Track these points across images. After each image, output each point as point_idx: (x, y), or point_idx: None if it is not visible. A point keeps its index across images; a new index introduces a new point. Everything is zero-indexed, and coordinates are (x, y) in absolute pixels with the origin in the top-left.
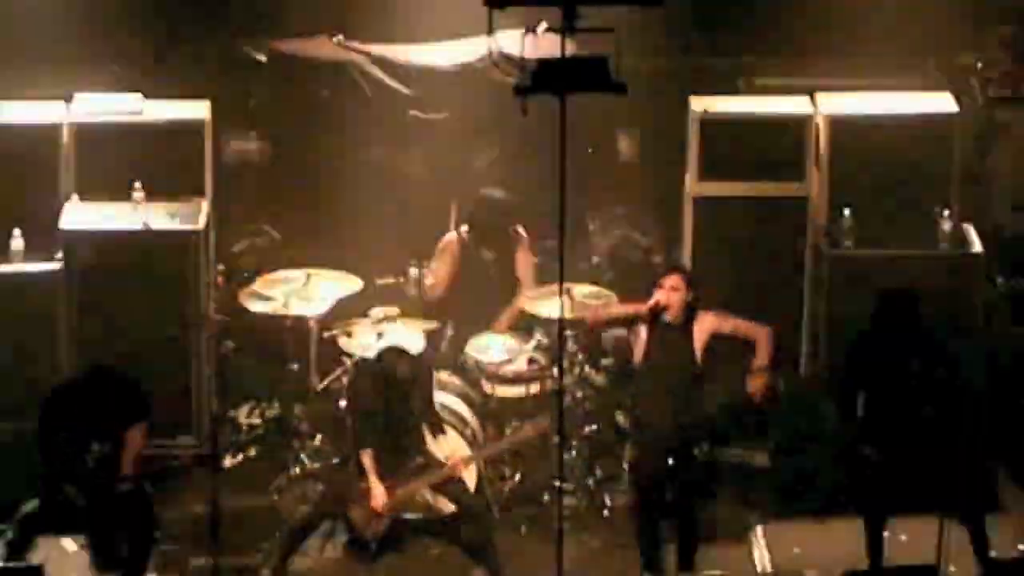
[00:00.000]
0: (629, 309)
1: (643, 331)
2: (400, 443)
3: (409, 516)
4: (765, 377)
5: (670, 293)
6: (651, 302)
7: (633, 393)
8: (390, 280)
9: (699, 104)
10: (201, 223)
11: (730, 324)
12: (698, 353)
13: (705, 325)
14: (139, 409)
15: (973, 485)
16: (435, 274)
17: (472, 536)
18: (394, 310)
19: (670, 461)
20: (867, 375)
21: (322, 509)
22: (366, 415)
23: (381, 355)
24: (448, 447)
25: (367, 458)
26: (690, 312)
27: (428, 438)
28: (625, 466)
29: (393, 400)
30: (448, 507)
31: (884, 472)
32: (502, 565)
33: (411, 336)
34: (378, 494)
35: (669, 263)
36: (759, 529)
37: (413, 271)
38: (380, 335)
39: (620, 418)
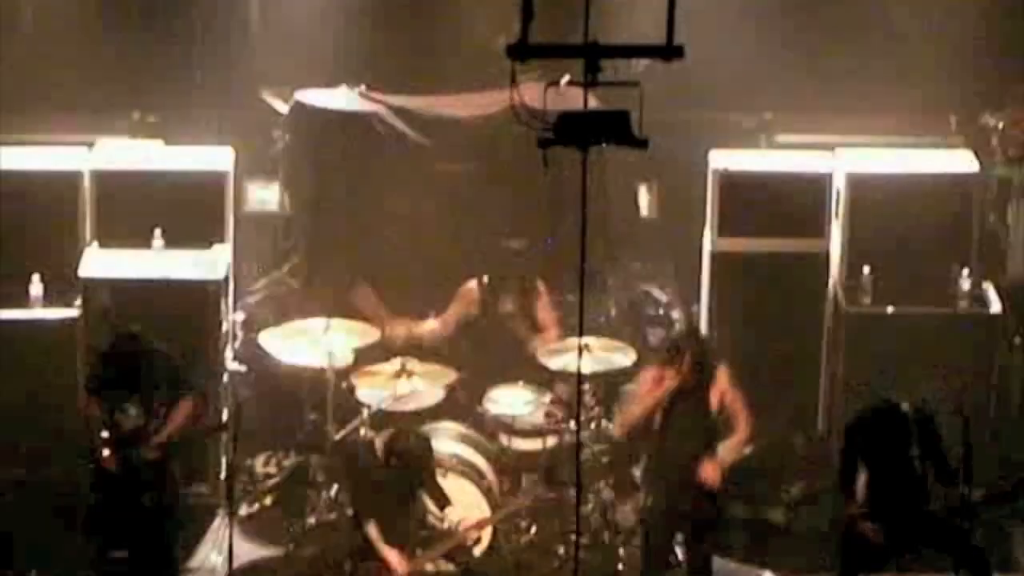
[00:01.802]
0: (651, 402)
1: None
2: (403, 515)
3: None
4: (723, 465)
5: (687, 376)
6: (671, 387)
7: (651, 451)
8: (404, 331)
9: (719, 159)
10: (221, 272)
11: (731, 397)
12: (714, 409)
13: (720, 385)
14: (183, 385)
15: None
16: (443, 318)
17: None
18: (413, 361)
19: (684, 515)
20: (866, 454)
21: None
22: (368, 488)
23: (390, 436)
24: (455, 516)
25: (372, 528)
26: (704, 373)
27: (433, 510)
28: (635, 518)
29: (396, 476)
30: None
31: (882, 554)
32: None
33: (429, 387)
34: (394, 560)
35: (682, 340)
36: None
37: (431, 322)
38: (398, 385)
39: (636, 472)
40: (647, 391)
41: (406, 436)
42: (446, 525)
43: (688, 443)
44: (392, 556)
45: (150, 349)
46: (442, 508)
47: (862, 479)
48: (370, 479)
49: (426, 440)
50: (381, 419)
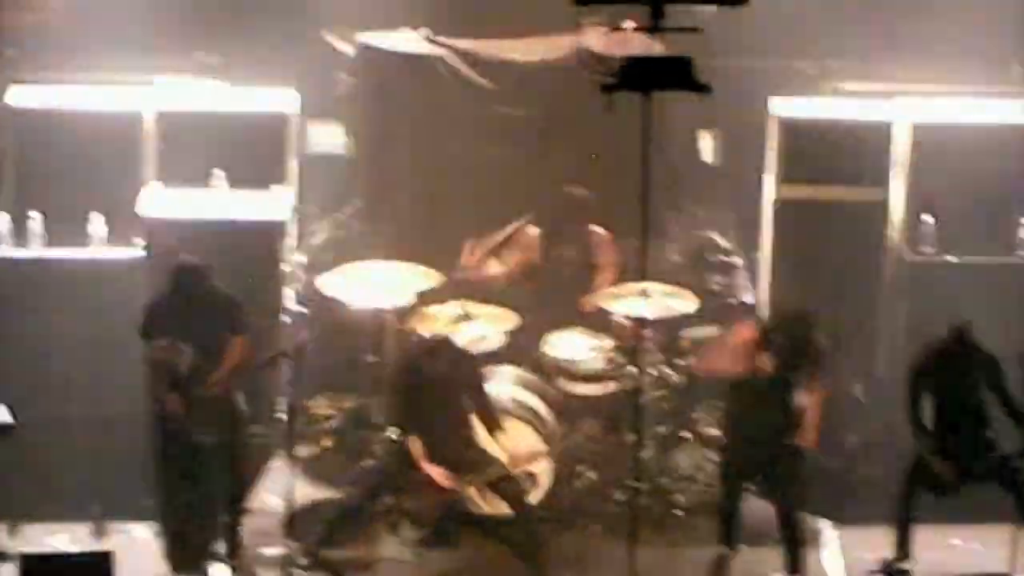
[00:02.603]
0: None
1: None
2: (447, 438)
3: (462, 511)
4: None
5: (769, 366)
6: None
7: (728, 402)
8: (467, 277)
9: (780, 107)
10: (284, 213)
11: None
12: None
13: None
14: (237, 324)
15: None
16: (505, 263)
17: (523, 539)
18: (473, 305)
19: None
20: (934, 390)
21: (373, 496)
22: (408, 405)
23: (415, 351)
24: (510, 443)
25: (414, 447)
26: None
27: (482, 433)
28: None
29: (434, 395)
30: (502, 508)
31: (955, 489)
32: (573, 563)
33: (489, 331)
34: (437, 474)
35: (773, 330)
36: (831, 533)
37: (495, 266)
38: (459, 329)
39: (696, 418)
40: (736, 347)
41: (447, 344)
42: (497, 453)
43: (763, 398)
44: (435, 471)
45: (207, 284)
46: (491, 432)
47: (929, 416)
48: (415, 395)
49: (471, 356)
50: None
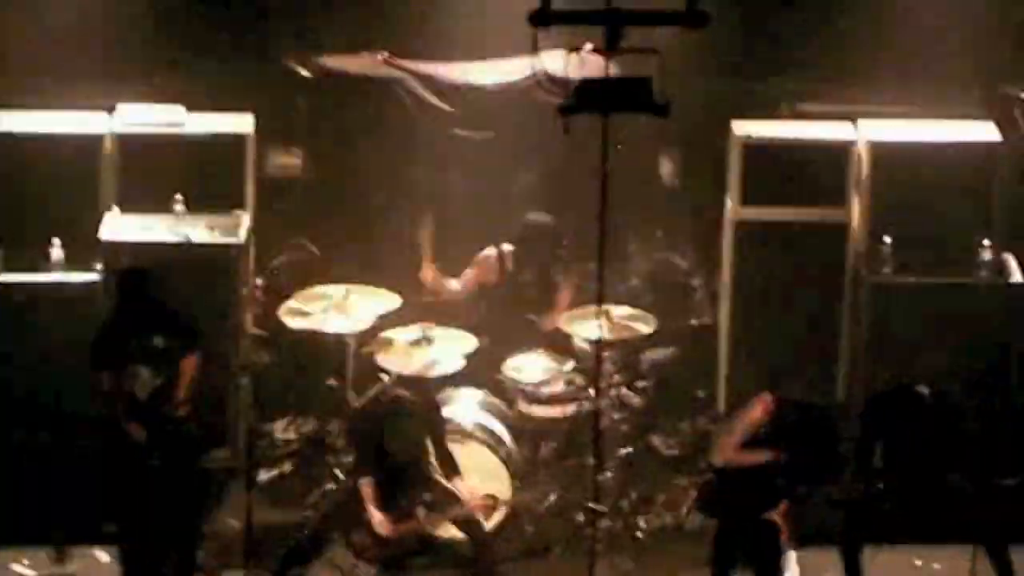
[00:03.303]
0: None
1: None
2: (403, 477)
3: (416, 539)
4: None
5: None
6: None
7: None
8: (428, 298)
9: (741, 128)
10: (242, 237)
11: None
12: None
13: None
14: (189, 339)
15: (995, 521)
16: (463, 280)
17: (478, 568)
18: (433, 328)
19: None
20: (884, 431)
21: (324, 528)
22: (365, 445)
23: (384, 390)
24: (467, 487)
25: (366, 487)
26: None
27: (439, 477)
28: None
29: (396, 434)
30: (455, 534)
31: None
32: None
33: (448, 354)
34: (377, 522)
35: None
36: (791, 555)
37: (452, 282)
38: (418, 352)
39: (655, 440)
40: (751, 432)
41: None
42: (457, 494)
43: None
44: (376, 515)
45: (152, 295)
46: (449, 478)
47: (877, 455)
48: (373, 436)
49: (433, 405)
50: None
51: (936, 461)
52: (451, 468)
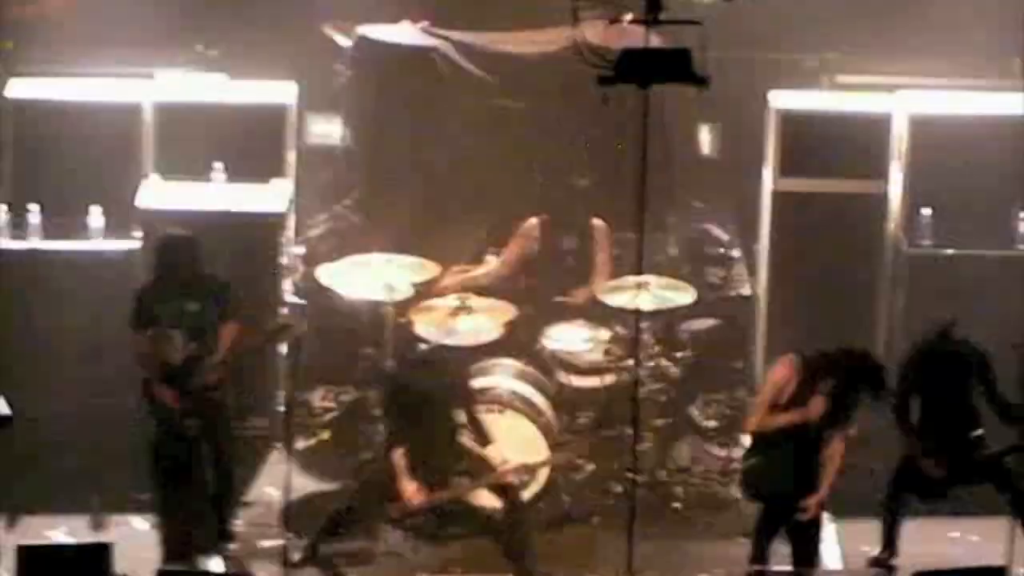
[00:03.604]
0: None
1: None
2: (438, 449)
3: (450, 508)
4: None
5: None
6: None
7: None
8: (468, 267)
9: (780, 99)
10: (282, 205)
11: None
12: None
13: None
14: (226, 307)
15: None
16: (504, 258)
17: (511, 536)
18: (472, 296)
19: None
20: (921, 389)
21: (361, 499)
22: (399, 415)
23: (411, 362)
24: (500, 455)
25: (398, 457)
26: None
27: (473, 446)
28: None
29: (423, 408)
30: (491, 503)
31: (940, 489)
32: (572, 556)
33: (488, 323)
34: (410, 491)
35: (824, 366)
36: (829, 525)
37: (491, 258)
38: (457, 321)
39: (693, 411)
40: (774, 394)
41: (439, 356)
42: (490, 462)
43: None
44: (408, 486)
45: (195, 263)
46: (483, 445)
47: (916, 415)
48: (406, 406)
49: (463, 370)
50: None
51: (974, 420)
52: (483, 437)
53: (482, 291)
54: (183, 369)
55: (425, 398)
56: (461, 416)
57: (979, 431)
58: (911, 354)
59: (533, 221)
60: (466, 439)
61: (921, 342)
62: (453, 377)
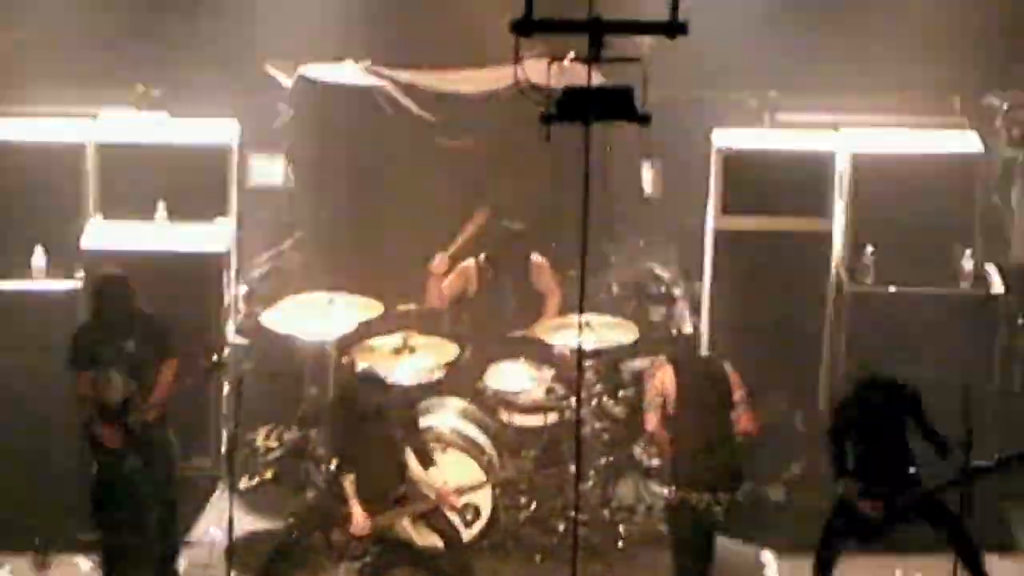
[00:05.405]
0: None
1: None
2: (381, 470)
3: (392, 542)
4: (749, 410)
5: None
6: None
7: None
8: (410, 306)
9: (723, 138)
10: (224, 245)
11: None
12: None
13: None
14: (165, 346)
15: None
16: (440, 292)
17: (455, 572)
18: (415, 336)
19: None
20: (856, 430)
21: (305, 528)
22: (344, 441)
23: (352, 383)
24: (440, 477)
25: (347, 483)
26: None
27: (415, 467)
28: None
29: (369, 427)
30: (431, 539)
31: (877, 530)
32: None
33: (430, 362)
34: (358, 518)
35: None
36: (771, 562)
37: (431, 296)
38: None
39: (636, 450)
40: (653, 393)
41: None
42: (431, 485)
43: (703, 419)
44: (357, 514)
45: (131, 301)
46: (426, 467)
47: (852, 456)
48: (351, 428)
49: (405, 391)
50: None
51: (909, 458)
52: (426, 458)
53: (424, 330)
54: (123, 408)
55: (369, 410)
56: (404, 437)
57: (913, 469)
58: (844, 396)
59: (469, 262)
60: (409, 459)
61: (854, 383)
62: (396, 395)
